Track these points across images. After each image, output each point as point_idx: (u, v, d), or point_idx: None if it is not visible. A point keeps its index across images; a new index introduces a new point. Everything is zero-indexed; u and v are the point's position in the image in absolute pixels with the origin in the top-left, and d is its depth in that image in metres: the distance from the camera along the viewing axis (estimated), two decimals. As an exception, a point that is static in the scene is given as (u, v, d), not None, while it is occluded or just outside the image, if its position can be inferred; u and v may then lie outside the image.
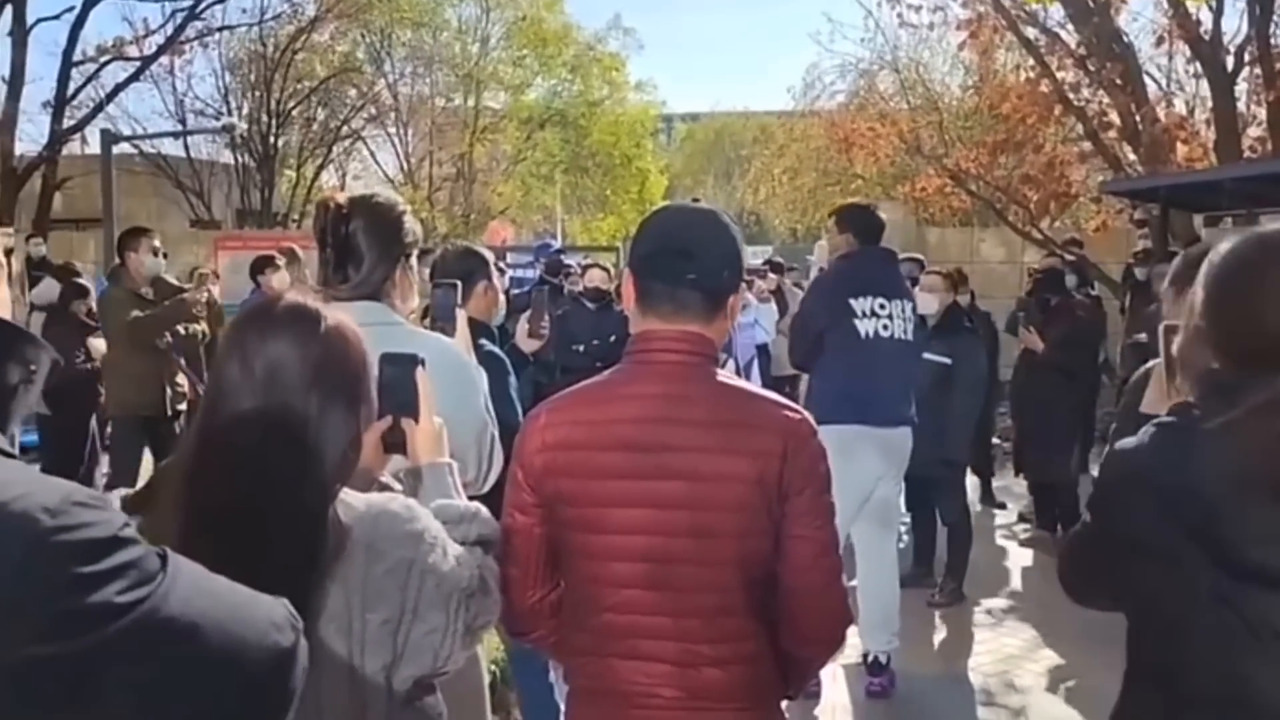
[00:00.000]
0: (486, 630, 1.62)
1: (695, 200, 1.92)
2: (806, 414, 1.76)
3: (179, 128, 19.53)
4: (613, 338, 6.74)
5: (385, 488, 1.68)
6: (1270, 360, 1.43)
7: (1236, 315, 1.50)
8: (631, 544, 1.71)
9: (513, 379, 3.06)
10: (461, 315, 2.54)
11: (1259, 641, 1.40)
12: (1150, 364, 2.13)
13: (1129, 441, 1.55)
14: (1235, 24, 11.87)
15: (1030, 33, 13.06)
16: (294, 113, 20.40)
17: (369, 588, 1.47)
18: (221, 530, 1.33)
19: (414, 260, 2.38)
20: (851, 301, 4.34)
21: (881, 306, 4.35)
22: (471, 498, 1.82)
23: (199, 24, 18.21)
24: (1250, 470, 1.39)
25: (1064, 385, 6.58)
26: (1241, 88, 12.04)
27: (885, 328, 4.34)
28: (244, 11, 19.29)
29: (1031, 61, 13.35)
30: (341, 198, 2.30)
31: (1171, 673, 1.48)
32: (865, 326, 4.32)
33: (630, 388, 1.77)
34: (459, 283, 2.63)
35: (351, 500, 1.50)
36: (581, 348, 6.68)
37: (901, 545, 5.41)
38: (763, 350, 8.89)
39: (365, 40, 21.03)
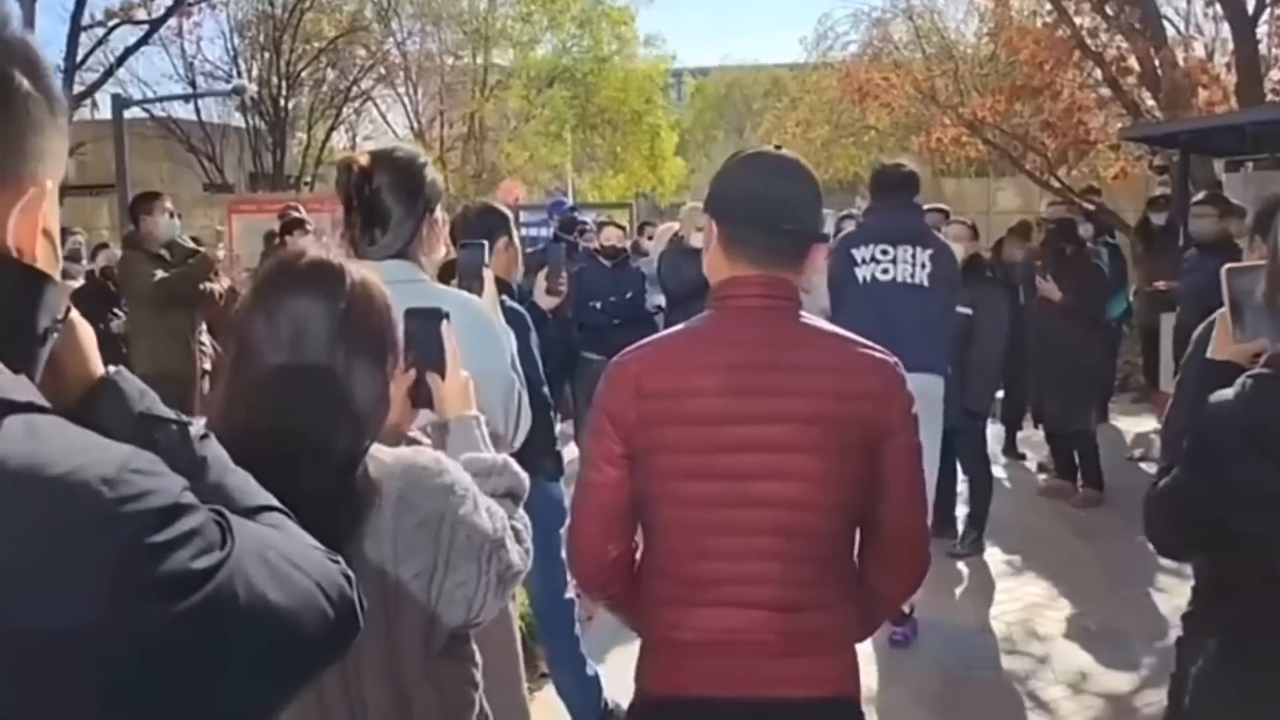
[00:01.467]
0: (518, 581, 1.63)
1: (778, 147, 1.90)
2: (896, 358, 1.77)
3: (189, 91, 19.45)
4: (629, 294, 6.74)
5: (413, 442, 1.68)
6: None
7: None
8: (735, 490, 1.70)
9: (534, 335, 3.06)
10: (488, 274, 2.54)
11: None
12: (1216, 314, 2.11)
13: (1225, 394, 1.53)
14: (1257, -36, 11.66)
15: (1047, -23, 12.85)
16: (303, 74, 20.30)
17: (401, 541, 1.48)
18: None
19: (439, 213, 2.36)
20: (853, 251, 4.46)
21: (884, 252, 4.38)
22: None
23: (207, -15, 18.11)
24: None
25: (1082, 335, 6.53)
26: (1263, 30, 11.83)
27: (885, 272, 4.36)
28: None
29: (1049, 6, 13.13)
30: (363, 157, 2.28)
31: (1272, 624, 1.48)
32: (862, 272, 4.40)
33: (728, 334, 1.76)
34: (485, 243, 2.64)
35: (381, 455, 1.50)
36: (598, 305, 6.67)
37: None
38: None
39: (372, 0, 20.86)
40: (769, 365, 1.72)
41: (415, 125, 21.89)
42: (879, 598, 1.83)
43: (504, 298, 2.95)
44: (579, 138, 22.87)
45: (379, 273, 1.59)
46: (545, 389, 3.06)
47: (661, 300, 6.65)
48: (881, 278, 4.36)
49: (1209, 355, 1.80)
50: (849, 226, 6.27)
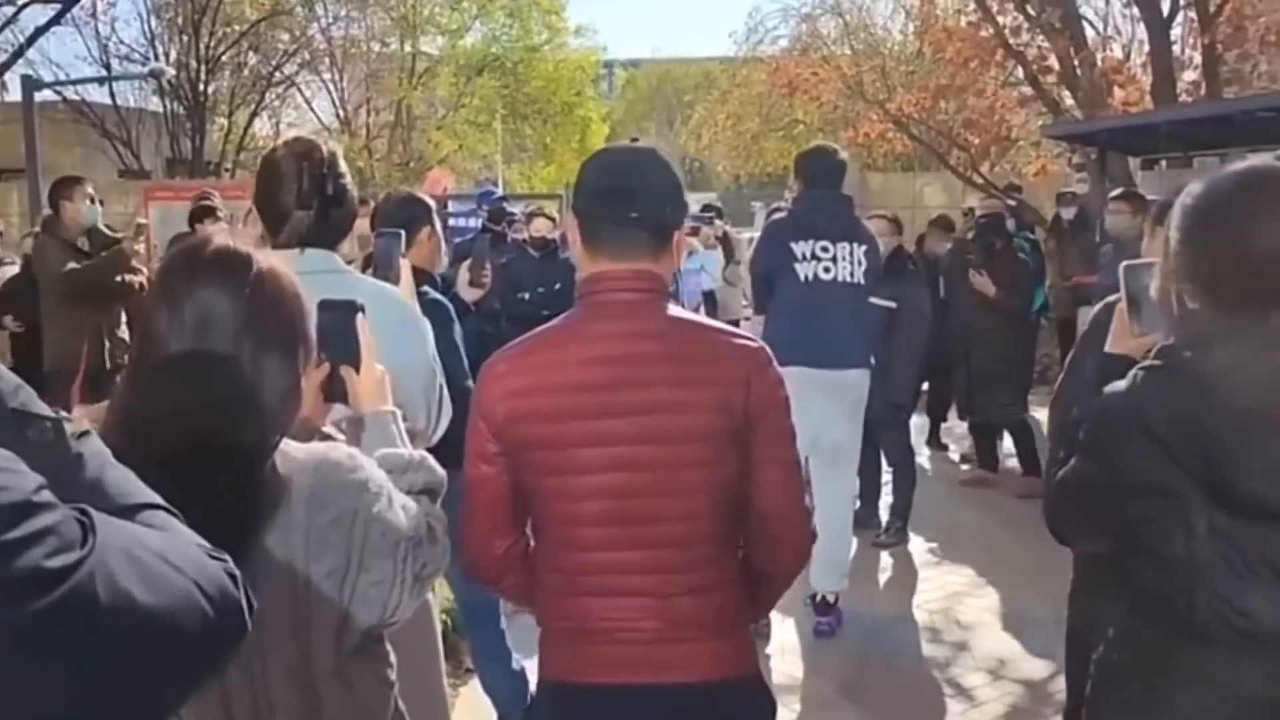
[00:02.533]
0: (435, 579, 1.60)
1: (634, 140, 1.93)
2: (762, 342, 1.80)
3: (103, 73, 18.87)
4: (558, 285, 6.69)
5: (327, 438, 1.63)
6: (1257, 299, 1.46)
7: (1221, 255, 1.52)
8: (601, 482, 1.73)
9: (457, 327, 3.02)
10: (405, 264, 2.50)
11: (1256, 575, 1.46)
12: (1110, 299, 2.16)
13: (1119, 385, 1.57)
14: (1172, -33, 11.98)
15: (971, -24, 13.06)
16: (224, 58, 19.81)
17: (312, 539, 1.43)
18: (155, 484, 1.28)
19: (353, 203, 2.33)
20: (792, 245, 4.37)
21: (824, 249, 4.35)
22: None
23: (122, -35, 17.58)
24: (1249, 408, 1.43)
25: (1012, 328, 6.66)
26: (1177, 32, 12.16)
27: (827, 270, 4.35)
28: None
29: (973, 5, 13.35)
30: (280, 145, 2.24)
31: (1169, 605, 1.52)
32: (804, 270, 4.34)
33: (587, 329, 1.78)
34: (402, 232, 2.60)
35: (291, 450, 1.46)
36: (527, 296, 6.63)
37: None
38: (709, 296, 8.89)
39: (296, -18, 20.43)
40: (626, 358, 1.74)
41: (341, 112, 21.54)
42: (764, 576, 1.86)
43: (426, 289, 2.91)
44: (509, 128, 22.69)
45: (296, 262, 1.54)
46: (469, 382, 3.00)
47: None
48: (824, 276, 4.35)
49: (1107, 349, 1.85)
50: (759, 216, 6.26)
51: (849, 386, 4.42)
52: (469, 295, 3.52)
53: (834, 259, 4.36)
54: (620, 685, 1.73)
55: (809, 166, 4.54)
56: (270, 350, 1.41)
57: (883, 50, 17.01)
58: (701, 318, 1.86)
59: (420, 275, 2.91)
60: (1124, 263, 1.87)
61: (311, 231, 2.20)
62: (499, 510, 1.82)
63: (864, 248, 4.45)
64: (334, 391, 1.69)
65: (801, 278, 4.34)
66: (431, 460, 1.74)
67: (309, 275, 1.54)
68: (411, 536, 1.51)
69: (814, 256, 4.35)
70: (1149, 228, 2.48)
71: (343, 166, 2.28)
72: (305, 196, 2.20)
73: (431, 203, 3.32)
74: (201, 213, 6.60)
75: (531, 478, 1.78)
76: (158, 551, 0.86)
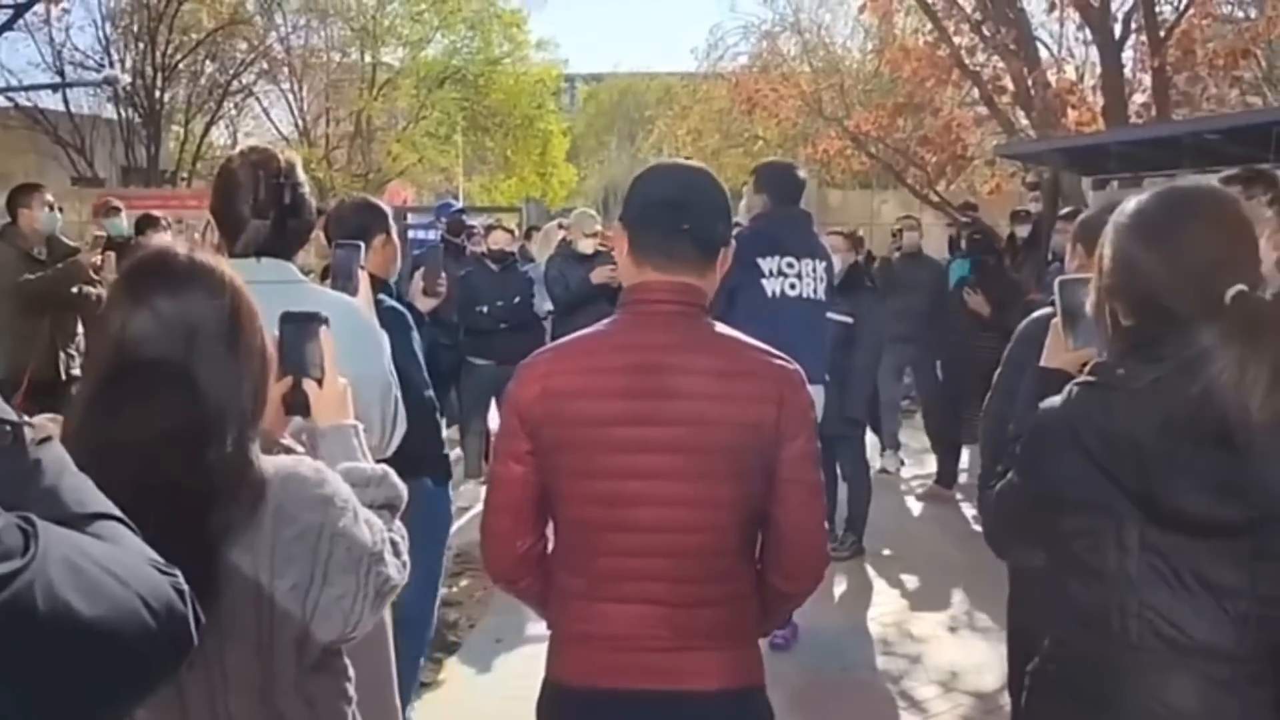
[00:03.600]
0: (395, 594, 1.60)
1: (687, 158, 1.96)
2: (796, 364, 1.82)
3: (57, 80, 18.61)
4: (516, 299, 6.69)
5: (287, 450, 1.63)
6: (1186, 315, 1.49)
7: (1149, 272, 1.55)
8: (632, 489, 1.75)
9: (416, 334, 3.00)
10: (363, 275, 2.49)
11: (1188, 589, 1.48)
12: (1037, 314, 2.20)
13: (1054, 400, 1.60)
14: (1123, -8, 12.24)
15: (929, -3, 13.27)
16: (180, 66, 19.60)
17: (278, 552, 1.43)
18: (119, 498, 1.28)
19: (310, 212, 2.33)
20: (759, 261, 4.39)
21: (790, 265, 4.39)
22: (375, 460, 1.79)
23: (77, -29, 17.36)
24: (1179, 424, 1.45)
25: (1000, 346, 6.66)
26: (1128, 55, 12.43)
27: (793, 286, 4.38)
28: (125, -42, 18.45)
29: (930, 26, 13.56)
30: (236, 153, 2.23)
31: (1101, 617, 1.54)
32: (771, 285, 4.36)
33: (630, 337, 1.80)
34: (361, 244, 2.58)
35: (261, 463, 1.46)
36: (485, 309, 6.61)
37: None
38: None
39: (255, -8, 20.29)
40: (664, 368, 1.75)
41: (300, 122, 21.39)
42: (779, 594, 1.88)
43: (383, 296, 2.89)
44: (469, 140, 22.65)
45: (253, 272, 1.55)
46: (430, 392, 2.99)
47: (550, 306, 6.63)
48: (790, 293, 4.37)
49: (1042, 363, 1.88)
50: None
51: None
52: (423, 305, 3.48)
53: (799, 275, 4.39)
54: (629, 691, 1.75)
55: (776, 181, 4.54)
56: (231, 358, 1.42)
57: (841, 68, 17.20)
58: (741, 335, 1.87)
59: (376, 283, 2.88)
60: (1059, 278, 1.89)
61: (268, 241, 2.20)
62: (524, 509, 1.83)
63: (824, 264, 4.50)
64: (295, 403, 1.69)
65: (768, 293, 4.35)
66: (393, 475, 1.74)
67: (265, 285, 1.55)
68: (374, 552, 1.52)
69: (780, 273, 4.38)
70: (1070, 245, 2.53)
71: (300, 176, 2.28)
72: (262, 206, 2.19)
73: (387, 208, 3.26)
74: (144, 223, 6.54)
75: (561, 480, 1.79)
76: (103, 563, 0.87)
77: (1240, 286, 1.46)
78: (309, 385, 1.70)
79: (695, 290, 1.81)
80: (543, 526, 1.87)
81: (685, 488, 1.74)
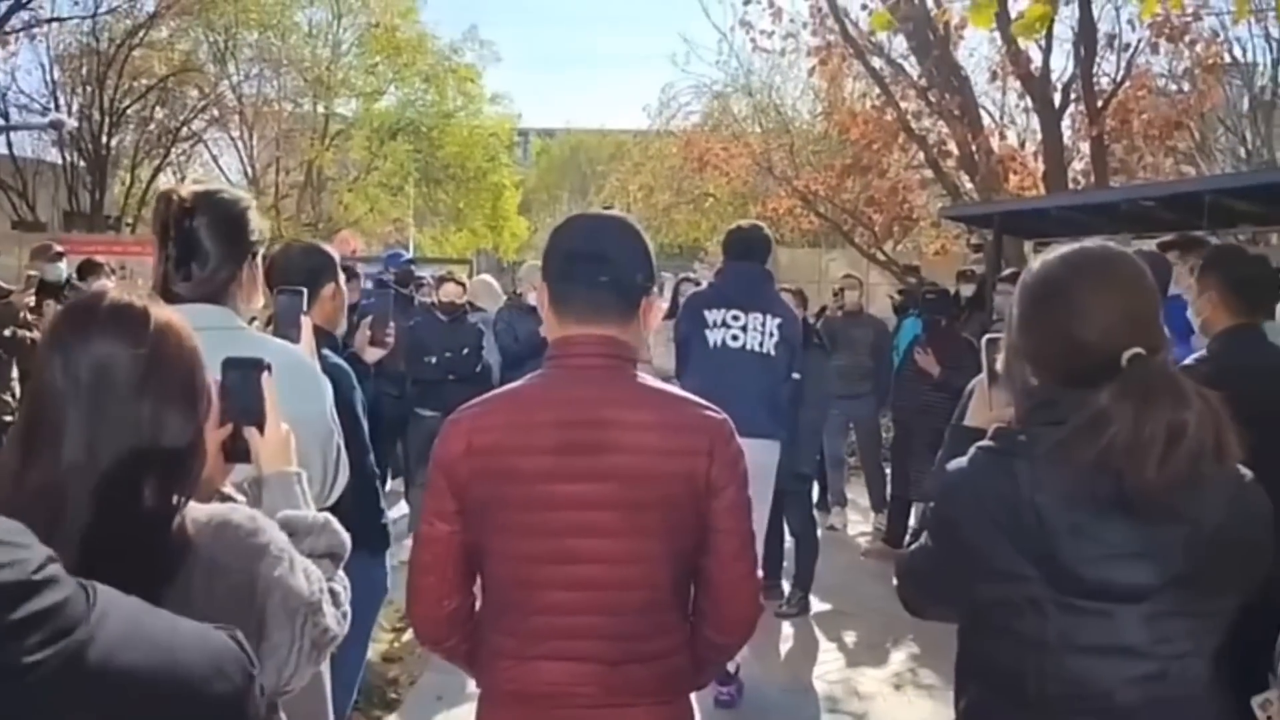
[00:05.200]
0: (334, 646, 1.56)
1: (608, 207, 1.94)
2: (725, 415, 1.81)
3: (1, 122, 18.34)
4: (465, 350, 6.66)
5: (227, 498, 1.60)
6: (1085, 376, 1.49)
7: (1050, 333, 1.57)
8: (564, 546, 1.72)
9: (360, 394, 2.92)
10: (307, 322, 2.45)
11: (1099, 651, 1.47)
12: (981, 376, 2.22)
13: (960, 463, 1.59)
14: (1062, 63, 12.67)
15: (876, 62, 13.59)
16: (129, 111, 19.40)
17: (212, 604, 1.39)
18: (55, 551, 1.24)
19: (259, 259, 2.29)
20: (705, 313, 4.48)
21: (735, 318, 4.45)
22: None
23: (25, 14, 17.19)
24: (1080, 490, 1.45)
25: (950, 406, 6.69)
26: (1068, 123, 12.78)
27: (735, 338, 4.44)
28: (76, 3, 18.32)
29: (877, 90, 13.87)
30: (185, 190, 2.20)
31: (1019, 679, 1.52)
32: (714, 336, 4.44)
33: (560, 391, 1.78)
34: (305, 290, 2.52)
35: (193, 512, 1.42)
36: (433, 360, 6.57)
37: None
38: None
39: (208, 40, 20.19)
40: (594, 423, 1.74)
41: (249, 171, 21.23)
42: (712, 646, 1.86)
43: (326, 352, 2.77)
44: (421, 192, 22.61)
45: (190, 316, 1.51)
46: (370, 457, 2.89)
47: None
48: (732, 344, 4.43)
49: (966, 421, 1.88)
50: (687, 289, 6.39)
51: (752, 454, 4.46)
52: (370, 356, 3.33)
53: (744, 327, 4.44)
54: None
55: (731, 239, 4.72)
56: (169, 407, 1.38)
57: (791, 129, 17.45)
58: (669, 387, 1.86)
59: (321, 336, 2.77)
60: (986, 336, 1.90)
61: (210, 286, 2.17)
62: (450, 568, 1.80)
63: (778, 320, 4.54)
64: (236, 451, 1.66)
65: (710, 344, 4.43)
66: (335, 523, 1.71)
67: (204, 331, 1.52)
68: (312, 602, 1.48)
69: (724, 324, 4.46)
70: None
71: (251, 221, 2.25)
72: (205, 252, 2.16)
73: (335, 254, 3.14)
74: (85, 268, 6.44)
75: (490, 537, 1.76)
76: (168, 628, 0.85)
77: (1137, 349, 1.47)
78: (250, 432, 1.67)
79: (619, 343, 1.80)
80: (470, 585, 1.84)
81: (620, 544, 1.72)
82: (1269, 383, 2.89)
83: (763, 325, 4.49)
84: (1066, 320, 1.54)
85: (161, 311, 1.43)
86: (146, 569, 1.31)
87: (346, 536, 1.72)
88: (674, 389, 1.87)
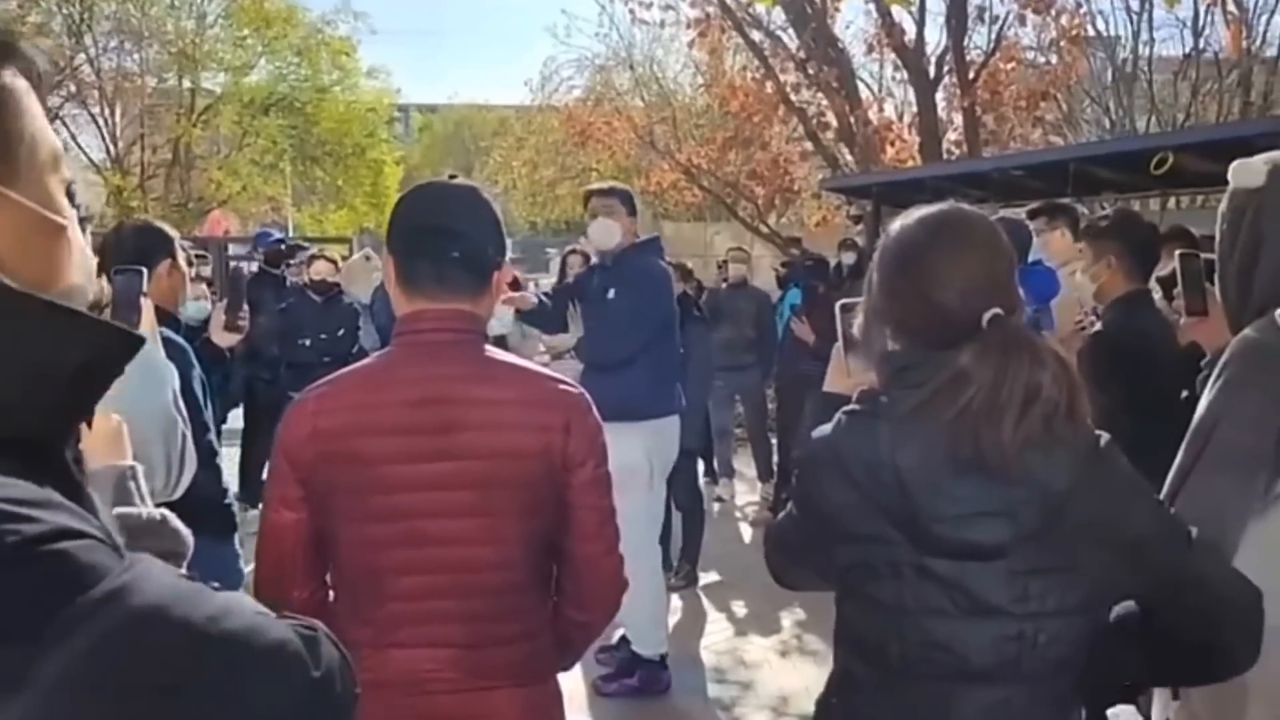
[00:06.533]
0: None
1: (452, 176, 1.86)
2: (581, 388, 1.77)
3: None
4: (341, 331, 6.48)
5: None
6: (945, 338, 1.49)
7: (909, 296, 1.56)
8: (417, 529, 1.66)
9: (197, 372, 2.79)
10: (147, 304, 2.32)
11: (962, 614, 1.47)
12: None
13: (824, 429, 1.58)
14: (936, 36, 12.93)
15: (755, 35, 13.66)
16: (-22, 87, 18.34)
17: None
18: None
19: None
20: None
21: None
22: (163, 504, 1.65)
23: None
24: (939, 450, 1.45)
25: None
26: (942, 95, 13.08)
27: None
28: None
29: (757, 63, 13.96)
30: None
31: (881, 645, 1.52)
32: None
33: (404, 370, 1.71)
34: (144, 269, 2.39)
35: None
36: (307, 342, 6.37)
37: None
38: (500, 341, 8.82)
39: (62, 11, 19.19)
40: (444, 400, 1.68)
41: (111, 149, 20.32)
42: (575, 625, 1.83)
43: (166, 330, 2.67)
44: (298, 169, 22.01)
45: None
46: (210, 436, 2.78)
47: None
48: None
49: (825, 388, 1.87)
50: (574, 261, 6.34)
51: (669, 433, 4.43)
52: (224, 340, 3.19)
53: None
54: None
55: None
56: None
57: (673, 103, 17.48)
58: (522, 361, 1.81)
59: (161, 314, 2.65)
60: (840, 301, 1.89)
61: None
62: (296, 558, 1.72)
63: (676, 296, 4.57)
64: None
65: None
66: (175, 521, 1.60)
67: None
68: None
69: None
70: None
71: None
72: None
73: (173, 232, 3.03)
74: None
75: (339, 524, 1.69)
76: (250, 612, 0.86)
77: (996, 310, 1.48)
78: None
79: (471, 316, 1.74)
80: (320, 575, 1.77)
81: (476, 524, 1.67)
82: (1165, 345, 2.98)
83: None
84: (925, 283, 1.54)
85: None
86: None
87: (188, 534, 1.61)
88: (526, 363, 1.81)
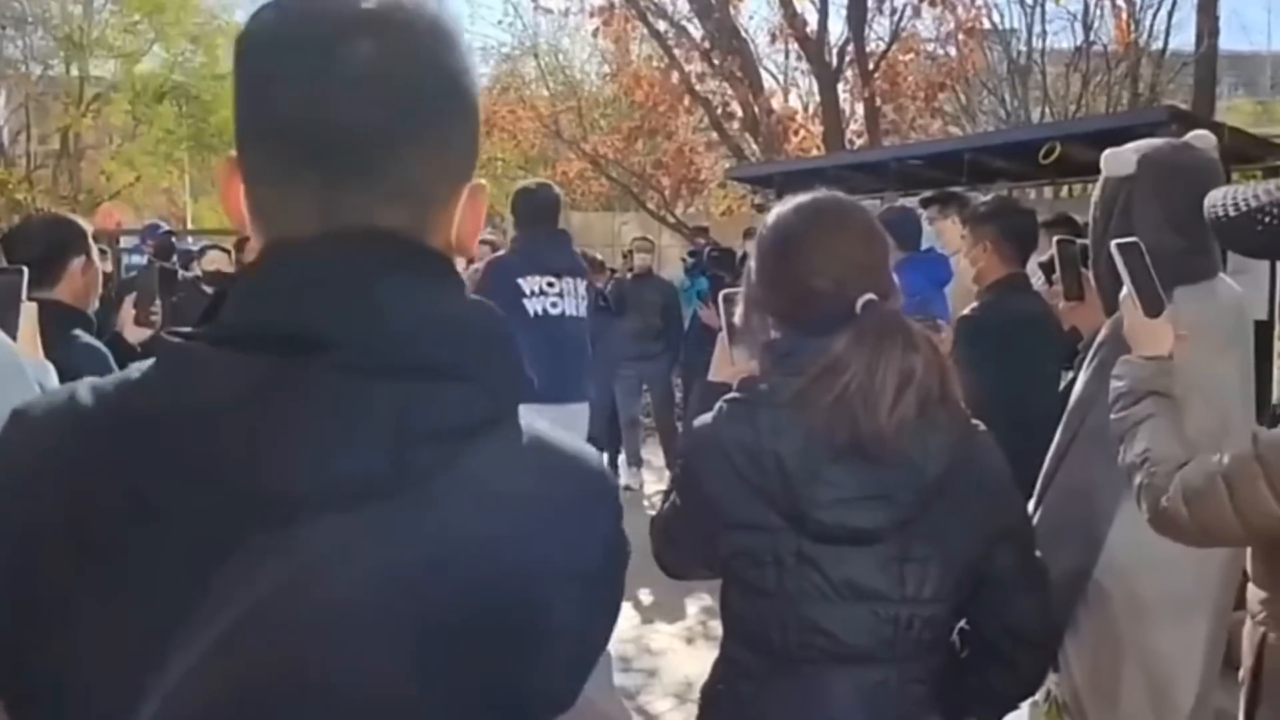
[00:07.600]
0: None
1: None
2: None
3: None
4: (236, 325, 6.30)
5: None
6: (822, 325, 1.50)
7: (786, 283, 1.57)
8: None
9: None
10: (28, 308, 2.19)
11: (841, 599, 1.49)
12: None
13: (706, 418, 1.59)
14: (839, 27, 13.09)
15: (660, 25, 13.67)
16: None
17: None
18: None
19: None
20: (520, 281, 4.41)
21: (550, 285, 4.46)
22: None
23: None
24: (816, 435, 1.46)
25: None
26: (844, 85, 13.25)
27: (554, 305, 4.45)
28: None
29: (662, 52, 13.97)
30: None
31: (764, 633, 1.54)
32: (533, 305, 4.39)
33: None
34: (25, 269, 2.27)
35: None
36: (201, 336, 6.17)
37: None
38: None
39: (-61, -5, 18.35)
40: None
41: (-5, 139, 19.50)
42: None
43: (78, 332, 2.58)
44: (195, 160, 21.35)
45: None
46: None
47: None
48: (552, 311, 4.42)
49: (710, 377, 1.88)
50: (484, 252, 6.27)
51: (575, 419, 4.43)
52: (135, 336, 3.07)
53: (560, 294, 4.46)
54: None
55: (526, 204, 4.61)
56: None
57: (579, 92, 17.42)
58: None
59: (71, 314, 2.58)
60: (722, 291, 1.90)
61: None
62: None
63: (584, 283, 4.62)
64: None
65: (530, 313, 4.37)
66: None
67: None
68: None
69: (541, 292, 4.43)
70: None
71: None
72: None
73: (86, 226, 2.88)
74: None
75: None
76: None
77: (870, 295, 1.50)
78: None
79: None
80: None
81: None
82: (1038, 328, 3.08)
83: (574, 289, 4.53)
84: (802, 270, 1.55)
85: None
86: None
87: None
88: None
